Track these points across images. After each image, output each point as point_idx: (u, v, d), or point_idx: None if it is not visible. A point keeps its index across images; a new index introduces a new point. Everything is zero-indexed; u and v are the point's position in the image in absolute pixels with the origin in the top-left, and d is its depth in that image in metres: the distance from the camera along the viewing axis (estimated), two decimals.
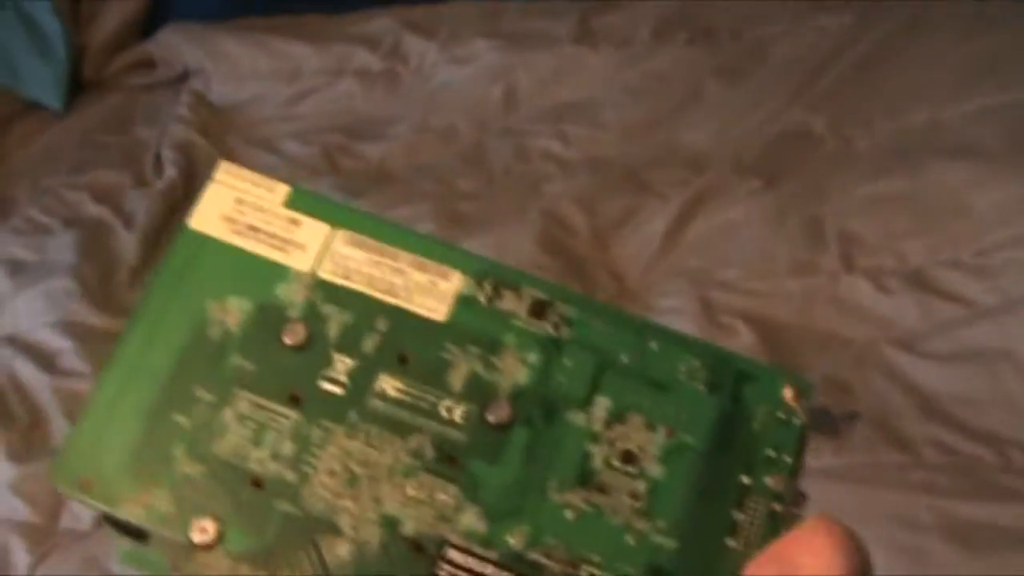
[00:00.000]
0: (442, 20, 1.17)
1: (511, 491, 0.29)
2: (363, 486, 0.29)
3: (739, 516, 0.29)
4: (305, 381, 0.30)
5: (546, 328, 0.31)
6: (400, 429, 0.30)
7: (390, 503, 0.29)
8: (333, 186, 1.02)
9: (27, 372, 0.90)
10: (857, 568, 0.25)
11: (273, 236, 0.32)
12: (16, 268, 1.00)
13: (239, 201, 0.33)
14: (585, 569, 0.29)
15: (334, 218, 0.33)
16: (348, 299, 0.32)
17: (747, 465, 0.30)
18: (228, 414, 0.30)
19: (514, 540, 0.29)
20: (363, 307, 0.31)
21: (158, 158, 1.10)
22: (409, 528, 0.29)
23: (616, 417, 0.30)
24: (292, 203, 0.33)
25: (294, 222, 0.33)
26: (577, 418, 0.30)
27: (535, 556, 0.29)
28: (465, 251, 0.32)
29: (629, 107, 1.07)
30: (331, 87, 1.15)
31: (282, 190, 0.33)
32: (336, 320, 0.31)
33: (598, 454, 0.30)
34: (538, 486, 0.29)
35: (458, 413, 0.30)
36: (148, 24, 1.21)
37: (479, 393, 0.30)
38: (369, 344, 0.31)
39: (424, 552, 0.29)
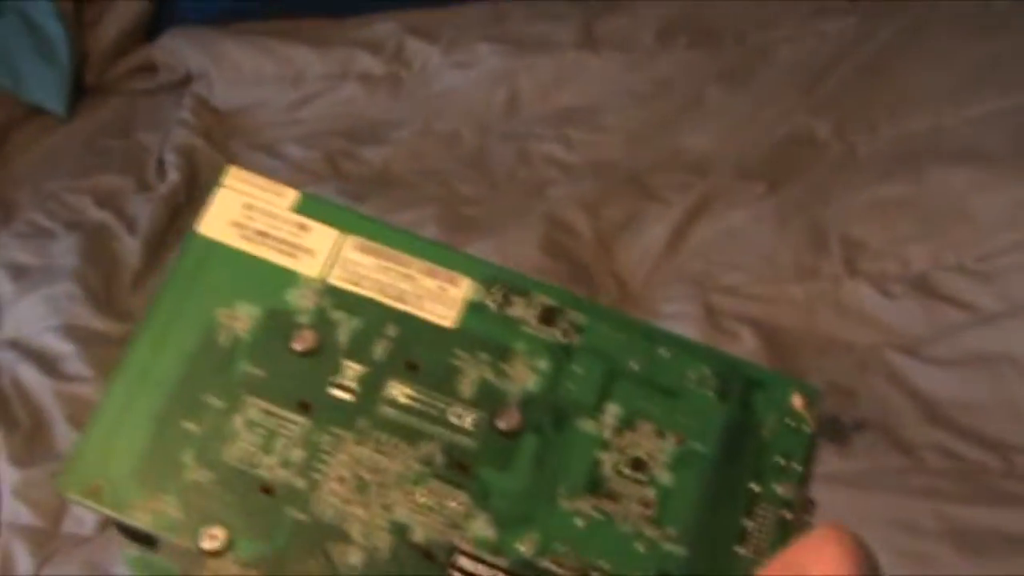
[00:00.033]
0: (445, 24, 1.17)
1: (521, 498, 0.29)
2: (373, 493, 0.29)
3: (748, 523, 0.29)
4: (315, 387, 0.30)
5: (556, 335, 0.31)
6: (410, 436, 0.30)
7: (400, 510, 0.29)
8: (336, 190, 1.02)
9: (30, 376, 0.90)
10: None
11: (282, 242, 0.32)
12: (19, 272, 1.00)
13: (248, 206, 0.33)
14: None
15: (343, 223, 0.32)
16: (358, 305, 0.31)
17: (756, 472, 0.30)
18: (237, 421, 0.30)
19: (524, 547, 0.29)
20: (373, 313, 0.31)
21: (161, 162, 1.10)
22: (419, 535, 0.29)
23: (626, 424, 0.30)
24: (301, 208, 0.33)
25: (303, 227, 0.32)
26: (587, 425, 0.30)
27: (545, 563, 0.29)
28: (474, 257, 0.32)
29: (632, 111, 1.07)
30: (334, 91, 1.15)
31: (291, 195, 0.33)
32: (346, 326, 0.31)
33: (608, 461, 0.30)
34: (548, 493, 0.29)
35: (468, 420, 0.30)
36: (151, 28, 1.21)
37: (489, 400, 0.30)
38: (379, 350, 0.31)
39: (434, 559, 0.29)
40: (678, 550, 0.29)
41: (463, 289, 0.32)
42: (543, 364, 0.31)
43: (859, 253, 0.90)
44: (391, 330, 0.31)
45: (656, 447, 0.30)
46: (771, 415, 0.31)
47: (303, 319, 0.31)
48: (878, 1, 1.10)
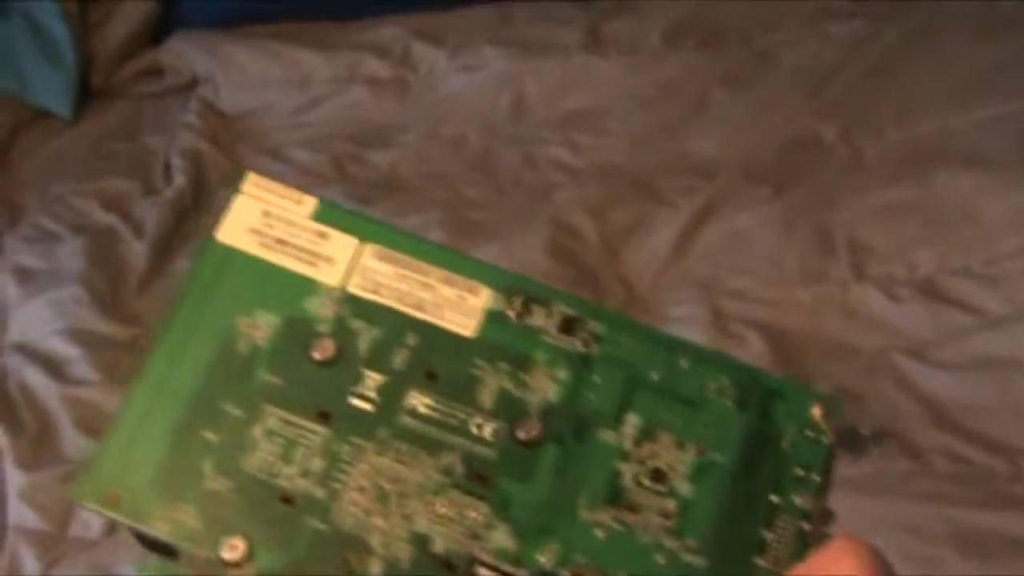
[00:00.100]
0: (451, 28, 1.16)
1: (541, 509, 0.29)
2: (393, 503, 0.29)
3: (768, 535, 0.29)
4: (335, 397, 0.30)
5: (576, 344, 0.31)
6: (430, 446, 0.30)
7: (420, 520, 0.29)
8: (342, 194, 1.02)
9: (36, 380, 0.90)
10: None
11: (301, 250, 0.32)
12: (25, 276, 1.00)
13: (266, 213, 0.33)
14: None
15: (362, 232, 0.32)
16: (377, 314, 0.31)
17: (776, 484, 0.30)
18: (257, 430, 0.30)
19: (544, 558, 0.29)
20: (392, 322, 0.31)
21: (167, 166, 1.10)
22: (439, 546, 0.29)
23: (646, 435, 0.30)
24: (320, 216, 0.33)
25: (322, 235, 0.32)
26: (607, 436, 0.30)
27: (565, 574, 0.29)
28: (494, 266, 0.32)
29: (638, 115, 1.07)
30: (340, 95, 1.15)
31: (310, 202, 0.33)
32: (366, 335, 0.31)
33: (628, 472, 0.30)
34: (568, 504, 0.29)
35: (488, 430, 0.30)
36: (157, 32, 1.21)
37: (509, 410, 0.30)
38: (399, 360, 0.31)
39: (454, 570, 0.29)
40: (698, 561, 0.29)
41: (483, 298, 0.32)
42: (563, 374, 0.31)
43: (866, 257, 0.90)
44: (411, 339, 0.31)
45: (676, 458, 0.30)
46: (790, 426, 0.31)
47: (323, 328, 0.31)
48: (883, 2, 1.10)
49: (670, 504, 0.30)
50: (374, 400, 0.30)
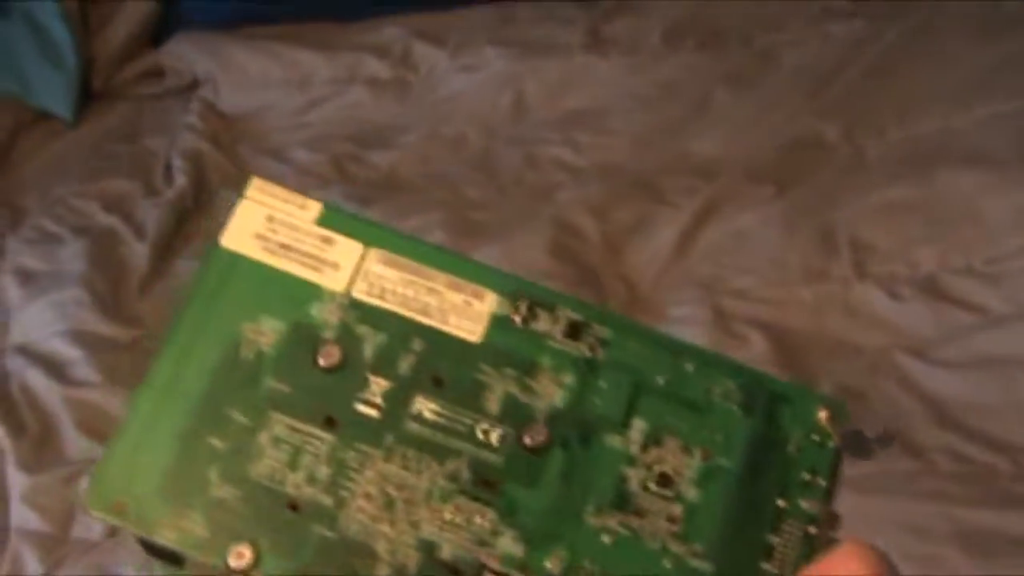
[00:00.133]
0: (451, 28, 1.16)
1: (548, 515, 0.29)
2: (400, 510, 0.29)
3: (774, 539, 0.29)
4: (341, 403, 0.30)
5: (581, 349, 0.31)
6: (437, 452, 0.30)
7: (427, 527, 0.29)
8: (342, 195, 1.02)
9: (38, 382, 0.90)
10: None
11: (306, 255, 0.32)
12: (27, 277, 1.00)
13: (270, 219, 0.32)
14: None
15: (367, 236, 0.32)
16: (383, 320, 0.31)
17: (782, 488, 0.30)
18: (263, 437, 0.30)
19: (551, 564, 0.29)
20: (398, 328, 0.31)
21: (168, 167, 1.10)
22: (446, 552, 0.29)
23: (652, 440, 0.30)
24: (324, 221, 0.32)
25: (327, 240, 0.32)
26: (614, 441, 0.30)
27: None
28: (499, 270, 0.32)
29: (639, 114, 1.07)
30: (341, 95, 1.15)
31: (314, 207, 0.33)
32: (371, 341, 0.31)
33: (634, 477, 0.30)
34: (575, 510, 0.29)
35: (495, 436, 0.30)
36: (157, 33, 1.21)
37: (515, 416, 0.30)
38: (404, 365, 0.31)
39: None
40: (704, 566, 0.29)
41: (488, 303, 0.32)
42: (569, 379, 0.31)
43: (868, 256, 0.90)
44: (416, 345, 0.31)
45: (682, 463, 0.30)
46: (796, 430, 0.31)
47: (328, 334, 0.31)
48: (884, 2, 1.10)
49: (676, 509, 0.30)
50: (380, 406, 0.30)
